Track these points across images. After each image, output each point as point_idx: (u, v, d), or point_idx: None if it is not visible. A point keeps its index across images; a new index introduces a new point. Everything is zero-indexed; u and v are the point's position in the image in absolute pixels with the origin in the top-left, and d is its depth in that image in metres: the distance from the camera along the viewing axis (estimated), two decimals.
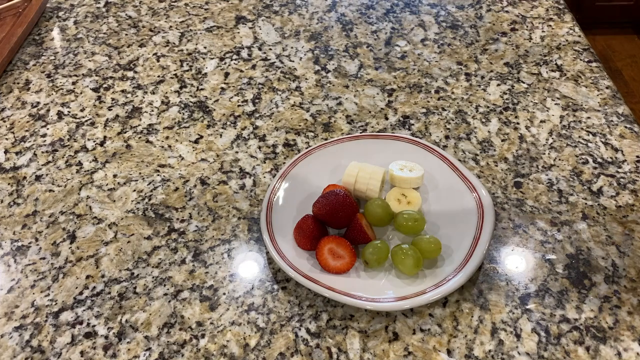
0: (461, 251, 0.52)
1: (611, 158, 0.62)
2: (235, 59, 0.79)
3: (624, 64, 2.02)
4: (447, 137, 0.66)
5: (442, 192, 0.58)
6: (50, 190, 0.63)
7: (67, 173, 0.65)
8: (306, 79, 0.75)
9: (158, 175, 0.64)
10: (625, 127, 0.65)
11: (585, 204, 0.58)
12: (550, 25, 0.81)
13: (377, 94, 0.72)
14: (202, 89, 0.75)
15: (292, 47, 0.80)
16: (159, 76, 0.77)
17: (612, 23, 2.13)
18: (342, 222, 0.54)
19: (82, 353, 0.49)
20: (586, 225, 0.56)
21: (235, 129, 0.69)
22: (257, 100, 0.72)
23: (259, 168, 0.64)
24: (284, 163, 0.64)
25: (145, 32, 0.84)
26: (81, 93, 0.75)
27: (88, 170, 0.65)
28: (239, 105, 0.72)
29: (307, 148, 0.65)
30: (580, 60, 0.75)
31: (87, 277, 0.55)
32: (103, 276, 0.55)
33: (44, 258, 0.57)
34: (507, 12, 0.84)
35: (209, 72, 0.77)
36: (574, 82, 0.72)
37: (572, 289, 0.52)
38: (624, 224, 0.56)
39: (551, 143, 0.64)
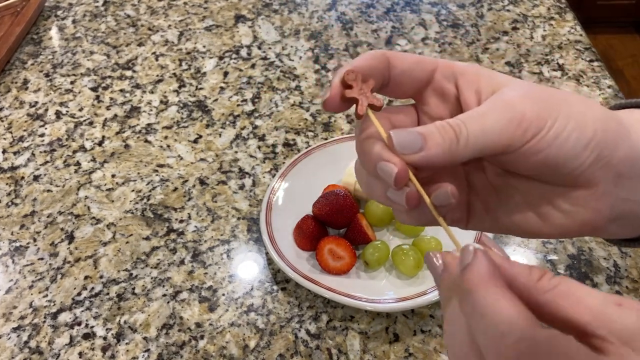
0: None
1: None
2: (235, 58, 0.78)
3: (625, 64, 2.02)
4: None
5: None
6: (48, 191, 0.63)
7: (65, 173, 0.65)
8: (306, 78, 0.75)
9: (157, 175, 0.64)
10: None
11: None
12: (551, 24, 0.80)
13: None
14: (201, 89, 0.74)
15: (291, 46, 0.80)
16: (157, 75, 0.76)
17: (614, 22, 2.13)
18: (342, 223, 0.54)
19: (80, 354, 0.49)
20: None
21: (235, 128, 0.69)
22: (256, 100, 0.72)
23: (259, 168, 0.64)
24: (284, 163, 0.63)
25: (144, 31, 0.84)
26: (79, 92, 0.75)
27: (86, 170, 0.65)
28: (238, 105, 0.72)
29: (307, 148, 0.64)
30: (582, 59, 0.74)
31: (86, 277, 0.55)
32: (101, 277, 0.55)
33: (42, 258, 0.56)
34: (508, 11, 0.83)
35: (208, 71, 0.77)
36: (575, 81, 0.71)
37: None
38: None
39: None
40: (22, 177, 0.65)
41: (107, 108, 0.72)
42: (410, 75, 0.30)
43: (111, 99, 0.74)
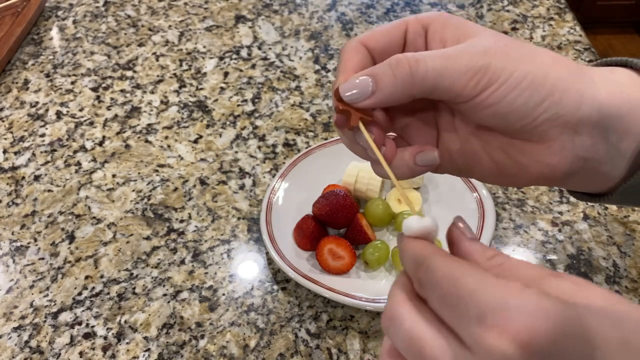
0: None
1: None
2: (235, 59, 0.78)
3: None
4: None
5: (443, 192, 0.58)
6: (49, 191, 0.63)
7: (65, 173, 0.65)
8: (306, 78, 0.75)
9: (157, 175, 0.64)
10: None
11: (586, 204, 0.58)
12: (551, 25, 0.80)
13: None
14: (201, 89, 0.74)
15: (292, 47, 0.80)
16: (158, 76, 0.77)
17: (613, 22, 2.13)
18: (342, 223, 0.54)
19: (81, 354, 0.49)
20: (587, 226, 0.56)
21: (235, 128, 0.69)
22: (256, 100, 0.72)
23: (259, 168, 0.64)
24: (284, 163, 0.64)
25: (144, 31, 0.84)
26: (80, 93, 0.75)
27: (87, 170, 0.65)
28: (238, 105, 0.72)
29: (307, 148, 0.64)
30: (582, 59, 0.75)
31: (86, 277, 0.55)
32: (102, 277, 0.55)
33: (42, 258, 0.57)
34: (507, 11, 0.83)
35: (208, 71, 0.77)
36: None
37: None
38: (625, 224, 0.56)
39: None
40: (23, 177, 0.65)
41: (108, 108, 0.73)
42: (389, 50, 0.30)
43: (112, 99, 0.74)
